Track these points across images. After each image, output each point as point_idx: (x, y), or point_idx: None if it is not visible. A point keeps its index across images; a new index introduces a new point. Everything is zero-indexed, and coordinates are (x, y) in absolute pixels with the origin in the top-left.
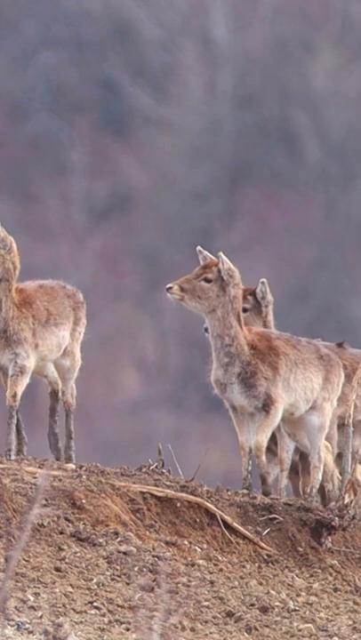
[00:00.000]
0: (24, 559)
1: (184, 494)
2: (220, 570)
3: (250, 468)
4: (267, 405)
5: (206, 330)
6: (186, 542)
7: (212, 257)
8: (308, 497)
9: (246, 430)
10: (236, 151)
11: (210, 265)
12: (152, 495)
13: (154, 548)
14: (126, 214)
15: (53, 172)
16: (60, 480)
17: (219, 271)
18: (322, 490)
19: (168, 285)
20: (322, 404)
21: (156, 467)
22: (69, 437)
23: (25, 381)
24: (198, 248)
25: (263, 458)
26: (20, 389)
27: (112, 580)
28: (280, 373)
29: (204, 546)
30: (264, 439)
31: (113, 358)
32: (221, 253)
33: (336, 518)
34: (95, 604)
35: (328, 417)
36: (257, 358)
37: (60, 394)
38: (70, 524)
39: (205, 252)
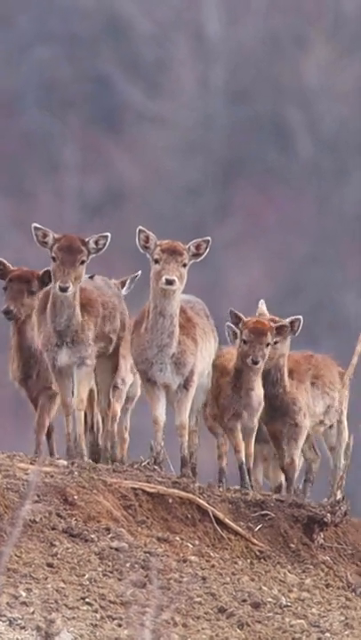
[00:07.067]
0: (16, 555)
1: (176, 490)
2: (212, 566)
3: (163, 443)
4: (187, 382)
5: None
6: (178, 538)
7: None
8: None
9: (161, 405)
10: (229, 146)
11: (180, 250)
12: (144, 491)
13: (146, 545)
14: (119, 210)
15: (46, 168)
16: (52, 476)
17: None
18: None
19: (171, 279)
20: (210, 363)
21: (148, 463)
22: None
23: None
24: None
25: (187, 438)
26: None
27: (104, 575)
28: (198, 346)
29: (196, 542)
30: (187, 417)
31: None
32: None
33: (328, 514)
34: (87, 599)
35: (211, 374)
36: (183, 335)
37: None
38: (62, 520)
39: (147, 232)
